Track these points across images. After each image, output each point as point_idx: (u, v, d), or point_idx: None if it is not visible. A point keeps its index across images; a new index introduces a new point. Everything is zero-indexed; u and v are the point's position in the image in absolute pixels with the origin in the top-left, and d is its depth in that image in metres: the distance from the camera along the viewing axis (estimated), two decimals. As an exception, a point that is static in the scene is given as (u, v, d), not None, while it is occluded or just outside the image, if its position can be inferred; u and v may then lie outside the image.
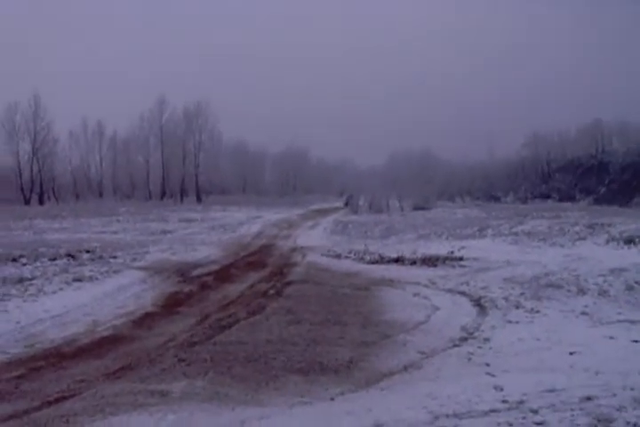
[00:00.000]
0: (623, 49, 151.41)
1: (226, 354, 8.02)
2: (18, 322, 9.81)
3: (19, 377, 7.18)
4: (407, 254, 18.42)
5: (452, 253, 18.90)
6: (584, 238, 20.79)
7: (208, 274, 15.61)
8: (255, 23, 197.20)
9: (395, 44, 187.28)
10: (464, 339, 8.99)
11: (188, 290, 13.38)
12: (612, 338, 8.65)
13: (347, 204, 54.91)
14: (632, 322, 9.58)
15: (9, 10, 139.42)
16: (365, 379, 7.12)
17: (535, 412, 5.73)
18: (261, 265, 17.54)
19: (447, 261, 17.35)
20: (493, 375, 7.04)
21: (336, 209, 50.89)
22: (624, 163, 68.41)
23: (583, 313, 10.35)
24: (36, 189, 60.87)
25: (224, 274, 15.74)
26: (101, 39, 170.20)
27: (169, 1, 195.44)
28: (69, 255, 17.03)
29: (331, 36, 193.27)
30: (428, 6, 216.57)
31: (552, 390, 6.31)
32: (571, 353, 7.90)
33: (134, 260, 17.06)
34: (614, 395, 6.09)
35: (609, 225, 23.40)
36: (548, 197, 71.71)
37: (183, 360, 7.74)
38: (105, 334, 9.49)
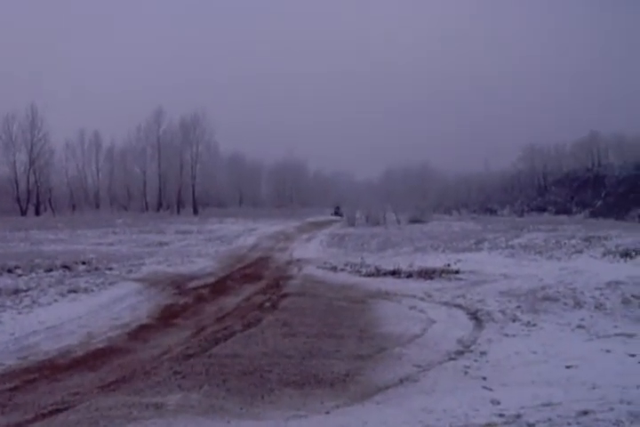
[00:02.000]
0: (619, 62, 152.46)
1: (221, 367, 7.98)
2: (12, 333, 9.76)
3: (12, 389, 7.14)
4: (403, 267, 18.43)
5: (449, 265, 18.90)
6: (580, 252, 20.74)
7: (204, 286, 15.56)
8: (253, 36, 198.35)
9: (394, 58, 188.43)
10: (460, 352, 8.96)
11: (183, 302, 13.35)
12: (608, 352, 8.62)
13: (336, 213, 55.88)
14: (629, 336, 9.55)
15: (8, 21, 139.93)
16: (361, 392, 7.09)
17: (532, 426, 5.70)
18: (257, 277, 17.50)
19: (443, 274, 17.34)
20: (490, 389, 7.01)
21: (332, 222, 50.84)
22: (620, 176, 68.72)
23: (580, 326, 10.33)
24: (33, 200, 60.85)
25: (220, 286, 15.70)
26: (99, 51, 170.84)
27: (166, 14, 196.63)
28: (65, 267, 16.95)
29: (328, 50, 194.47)
30: (427, 22, 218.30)
31: (549, 404, 6.28)
32: (567, 367, 7.87)
33: (130, 271, 16.99)
34: (611, 409, 6.06)
35: (605, 238, 23.37)
36: (544, 210, 71.88)
37: (178, 373, 7.70)
38: (100, 346, 9.45)
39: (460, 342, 9.58)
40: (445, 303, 12.98)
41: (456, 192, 79.65)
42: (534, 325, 10.54)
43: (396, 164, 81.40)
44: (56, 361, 8.51)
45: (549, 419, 5.86)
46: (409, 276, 17.29)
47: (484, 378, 7.51)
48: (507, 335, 9.87)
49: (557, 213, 67.85)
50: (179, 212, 66.72)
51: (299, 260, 22.21)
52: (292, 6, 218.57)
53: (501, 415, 6.02)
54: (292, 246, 28.30)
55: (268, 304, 13.13)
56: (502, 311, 11.69)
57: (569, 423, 5.73)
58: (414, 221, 48.61)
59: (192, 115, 69.62)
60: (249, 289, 15.21)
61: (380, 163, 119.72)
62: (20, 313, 11.10)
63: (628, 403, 6.24)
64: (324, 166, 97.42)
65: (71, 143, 70.09)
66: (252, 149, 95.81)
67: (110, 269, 17.23)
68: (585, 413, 5.98)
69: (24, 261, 17.27)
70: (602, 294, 12.92)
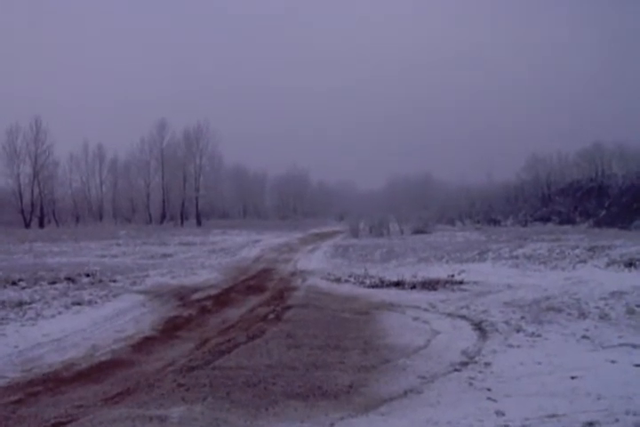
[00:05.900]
0: (622, 72, 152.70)
1: (225, 379, 7.97)
2: (16, 346, 9.76)
3: (16, 402, 7.12)
4: (407, 278, 18.40)
5: (453, 276, 18.87)
6: (584, 261, 20.65)
7: (208, 298, 15.55)
8: (256, 48, 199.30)
9: (395, 69, 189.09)
10: (465, 363, 8.92)
11: (187, 314, 13.33)
12: (613, 362, 8.58)
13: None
14: (634, 346, 9.51)
15: (11, 34, 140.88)
16: (365, 404, 7.06)
17: (537, 438, 5.68)
18: (261, 289, 17.48)
19: (447, 285, 17.32)
20: (495, 400, 6.98)
21: (336, 233, 50.83)
22: (624, 186, 68.50)
23: (584, 337, 10.28)
24: (37, 212, 61.05)
25: (224, 298, 15.68)
26: (102, 63, 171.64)
27: (170, 26, 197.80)
28: (69, 279, 16.98)
29: (330, 61, 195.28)
30: (427, 32, 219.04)
31: (554, 415, 6.26)
32: (572, 377, 7.83)
33: (134, 283, 17.02)
34: (617, 420, 6.04)
35: (609, 248, 23.25)
36: (548, 219, 71.59)
37: (182, 385, 7.69)
38: (103, 358, 9.43)
39: (464, 353, 9.55)
40: (449, 314, 12.95)
41: (459, 203, 79.56)
42: (539, 335, 10.50)
43: (398, 174, 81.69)
44: (60, 374, 8.50)
45: (554, 430, 5.84)
46: (413, 287, 17.25)
47: (489, 389, 7.48)
48: (511, 346, 9.83)
49: (561, 222, 67.55)
50: (182, 223, 66.82)
51: (302, 271, 22.18)
52: (295, 20, 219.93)
53: (506, 427, 6.00)
54: (296, 258, 28.29)
55: (272, 316, 13.11)
56: (506, 322, 11.65)
57: (574, 435, 5.71)
58: (418, 231, 48.59)
59: (195, 127, 70.06)
60: (253, 301, 15.19)
61: (382, 173, 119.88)
62: (23, 326, 11.11)
63: (634, 414, 6.21)
64: (326, 177, 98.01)
65: (75, 155, 70.75)
66: (256, 161, 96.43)
67: (114, 281, 17.26)
68: (590, 424, 5.96)
69: (28, 274, 17.32)
70: (606, 304, 12.87)
